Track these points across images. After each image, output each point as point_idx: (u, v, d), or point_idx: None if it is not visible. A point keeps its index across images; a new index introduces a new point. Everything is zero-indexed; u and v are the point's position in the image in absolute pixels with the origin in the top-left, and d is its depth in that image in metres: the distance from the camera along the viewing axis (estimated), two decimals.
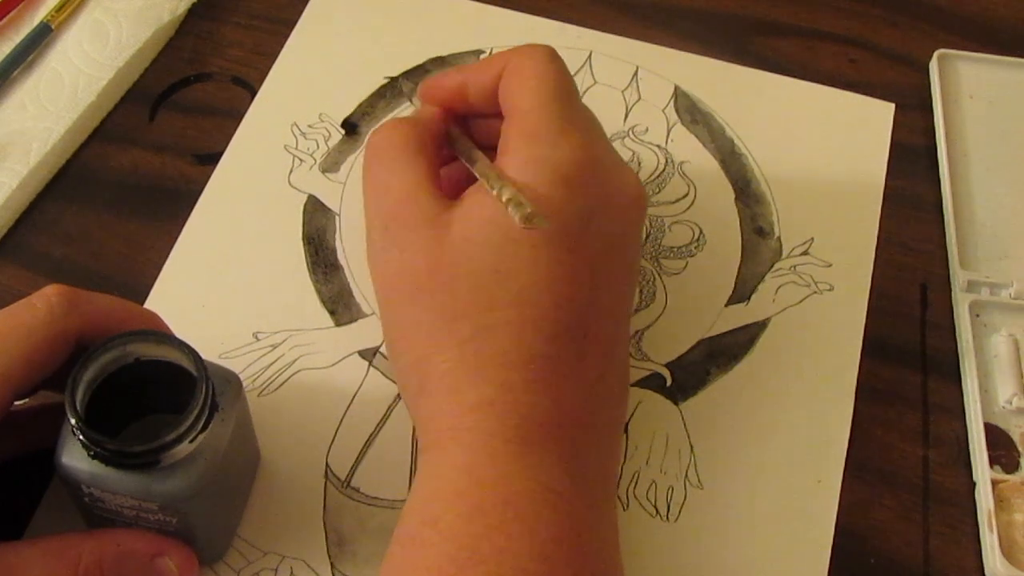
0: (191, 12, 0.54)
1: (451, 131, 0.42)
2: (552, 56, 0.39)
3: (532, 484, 0.33)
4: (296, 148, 0.49)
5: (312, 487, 0.40)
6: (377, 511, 0.40)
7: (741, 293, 0.46)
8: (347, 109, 0.51)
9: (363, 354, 0.44)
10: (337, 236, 0.47)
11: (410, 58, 0.53)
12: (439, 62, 0.52)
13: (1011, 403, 0.43)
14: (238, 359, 0.43)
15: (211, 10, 0.54)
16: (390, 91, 0.51)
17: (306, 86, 0.51)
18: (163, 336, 0.33)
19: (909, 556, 0.40)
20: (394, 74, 0.52)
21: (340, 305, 0.45)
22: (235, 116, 0.51)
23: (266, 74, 0.52)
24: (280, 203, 0.48)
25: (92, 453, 0.32)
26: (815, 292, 0.46)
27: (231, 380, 0.35)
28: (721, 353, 0.44)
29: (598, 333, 0.36)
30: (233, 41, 0.53)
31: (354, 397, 0.42)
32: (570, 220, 0.36)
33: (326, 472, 0.41)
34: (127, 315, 0.35)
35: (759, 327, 0.45)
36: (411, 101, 0.51)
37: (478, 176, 0.37)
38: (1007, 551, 0.40)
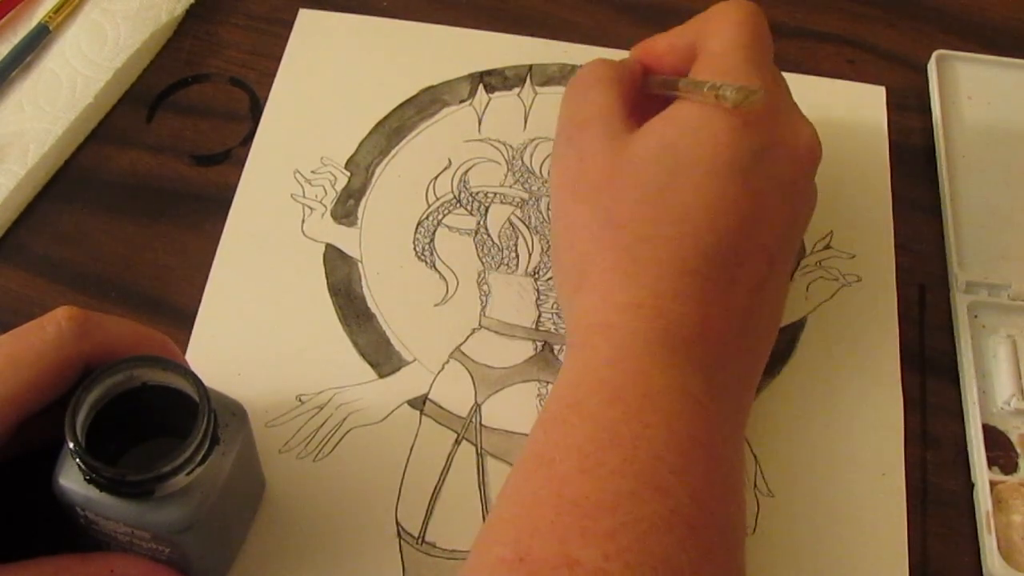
0: (189, 13, 0.53)
1: (650, 78, 0.44)
2: (753, 11, 0.41)
3: (671, 384, 0.35)
4: (304, 197, 0.48)
5: (386, 549, 0.39)
6: (457, 564, 0.39)
7: None
8: (348, 150, 0.49)
9: (412, 403, 0.42)
10: (364, 284, 0.45)
11: (401, 90, 0.51)
12: (431, 91, 0.51)
13: (1009, 404, 0.43)
14: (285, 426, 0.42)
15: (209, 11, 0.54)
16: (388, 126, 0.50)
17: (302, 129, 0.50)
18: (169, 363, 0.33)
19: (908, 557, 0.40)
20: (388, 109, 0.50)
21: (380, 356, 0.44)
22: (233, 117, 0.51)
23: (264, 75, 0.52)
24: (298, 255, 0.46)
25: (88, 478, 0.32)
26: (844, 285, 0.46)
27: (236, 412, 0.35)
28: None
29: (753, 267, 0.37)
30: (231, 42, 0.53)
31: (412, 449, 0.41)
32: (743, 154, 0.37)
33: (398, 531, 0.39)
34: (137, 339, 0.34)
35: (797, 327, 0.45)
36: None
37: (681, 90, 0.39)
38: (1005, 552, 0.40)
